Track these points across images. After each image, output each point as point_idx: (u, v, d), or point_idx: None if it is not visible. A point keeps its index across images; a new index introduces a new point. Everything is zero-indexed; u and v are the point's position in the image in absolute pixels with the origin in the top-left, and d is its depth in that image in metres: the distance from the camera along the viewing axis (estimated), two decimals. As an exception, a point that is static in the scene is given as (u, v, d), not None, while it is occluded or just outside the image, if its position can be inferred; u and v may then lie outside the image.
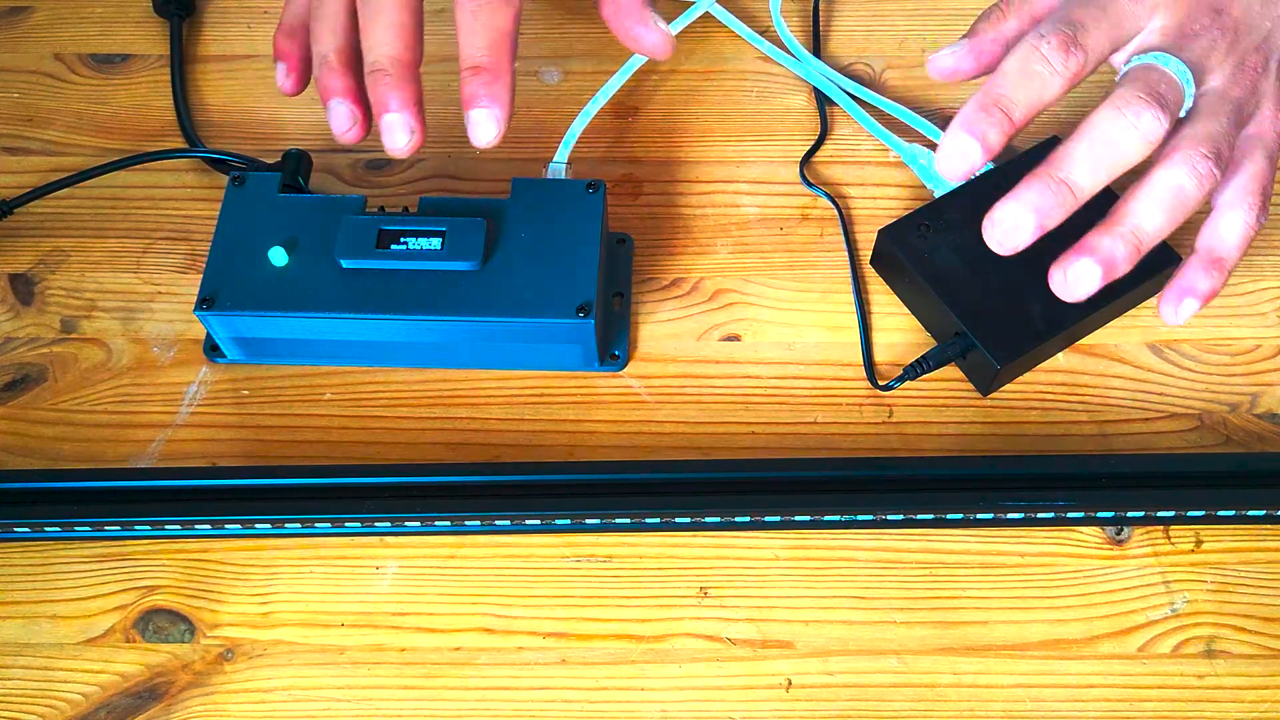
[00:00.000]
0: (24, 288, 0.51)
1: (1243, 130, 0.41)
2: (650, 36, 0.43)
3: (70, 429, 0.47)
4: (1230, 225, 0.41)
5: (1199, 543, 0.44)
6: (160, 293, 0.50)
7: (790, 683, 0.41)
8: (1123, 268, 0.38)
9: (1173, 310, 0.42)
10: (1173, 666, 0.41)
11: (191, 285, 0.51)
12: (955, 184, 0.43)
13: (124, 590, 0.43)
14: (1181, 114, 0.39)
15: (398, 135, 0.39)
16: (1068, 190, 0.37)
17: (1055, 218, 0.37)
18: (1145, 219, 0.38)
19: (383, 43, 0.39)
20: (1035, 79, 0.37)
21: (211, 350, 0.48)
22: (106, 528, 0.43)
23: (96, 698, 0.41)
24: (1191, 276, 0.41)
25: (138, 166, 0.53)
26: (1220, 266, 0.41)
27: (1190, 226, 0.51)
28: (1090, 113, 0.38)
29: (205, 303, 0.44)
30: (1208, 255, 0.41)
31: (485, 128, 0.39)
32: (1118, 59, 0.40)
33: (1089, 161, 0.37)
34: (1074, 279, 0.38)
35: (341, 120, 0.41)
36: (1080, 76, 0.38)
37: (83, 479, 0.43)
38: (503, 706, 0.41)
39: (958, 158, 0.37)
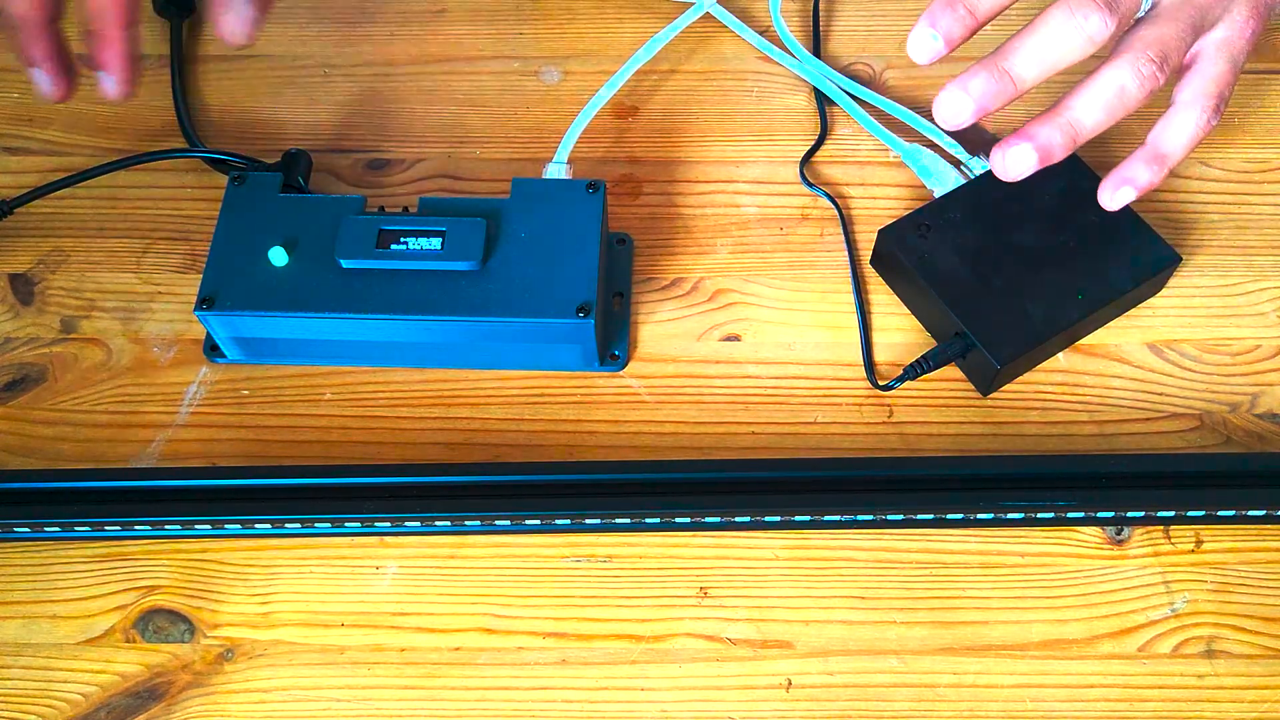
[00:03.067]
0: (24, 288, 0.51)
1: (1209, 34, 0.42)
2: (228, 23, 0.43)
3: (70, 429, 0.47)
4: (1180, 125, 0.42)
5: (1199, 543, 0.44)
6: (160, 293, 0.50)
7: (790, 683, 0.41)
8: (1058, 155, 0.40)
9: (1109, 196, 0.43)
10: (1173, 666, 0.41)
11: (191, 285, 0.51)
12: (950, 185, 0.43)
13: (124, 590, 0.43)
14: (1141, 14, 0.41)
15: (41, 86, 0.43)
16: (1009, 80, 0.39)
17: (994, 104, 0.40)
18: (1084, 113, 0.40)
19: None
20: None
21: (211, 350, 0.48)
22: (106, 528, 0.43)
23: (96, 698, 0.41)
24: (1134, 168, 0.43)
25: (138, 166, 0.53)
26: (1162, 162, 0.42)
27: (1203, 217, 0.52)
28: (1044, 8, 0.39)
29: (205, 303, 0.44)
30: (1153, 150, 0.42)
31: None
32: None
33: (1033, 56, 0.39)
34: (1011, 160, 0.41)
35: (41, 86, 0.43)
36: None
37: (83, 479, 0.43)
38: (503, 706, 0.41)
39: (922, 47, 0.40)
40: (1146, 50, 0.40)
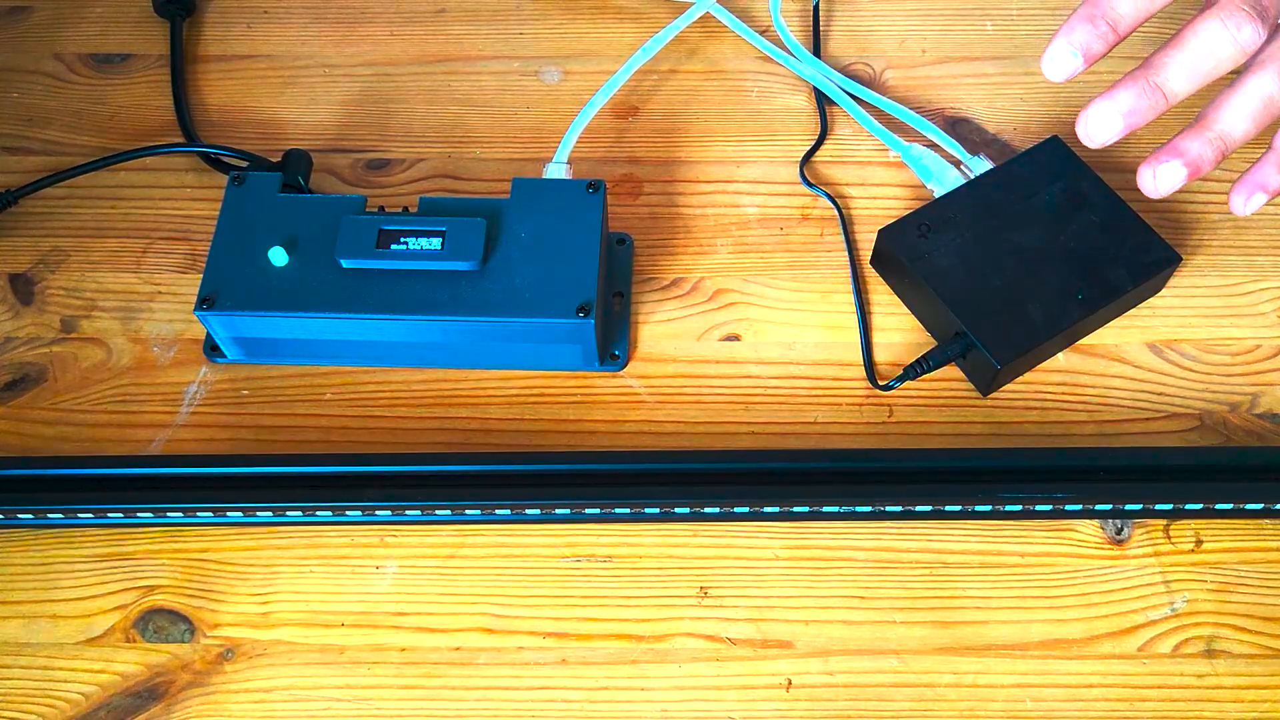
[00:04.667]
0: (24, 287, 0.51)
1: None
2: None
3: (70, 429, 0.47)
4: None
5: (1199, 542, 0.44)
6: (160, 292, 0.50)
7: (790, 682, 0.41)
8: (1207, 168, 0.40)
9: (1242, 201, 0.42)
10: (1173, 666, 0.41)
11: (191, 285, 0.51)
12: (950, 185, 0.42)
13: (124, 590, 0.43)
14: None
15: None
16: (1160, 95, 0.38)
17: (1144, 119, 0.39)
18: (1232, 124, 0.39)
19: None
20: None
21: (211, 350, 0.48)
22: (109, 514, 0.43)
23: (96, 698, 0.41)
24: (1265, 172, 0.42)
25: (138, 166, 0.53)
26: None
27: (1203, 217, 0.52)
28: (1190, 20, 0.39)
29: (205, 302, 0.44)
30: None
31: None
32: None
33: (1185, 69, 0.38)
34: (1162, 178, 0.40)
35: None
36: None
37: (86, 466, 0.43)
38: (503, 706, 0.41)
39: (1062, 65, 0.39)
40: None
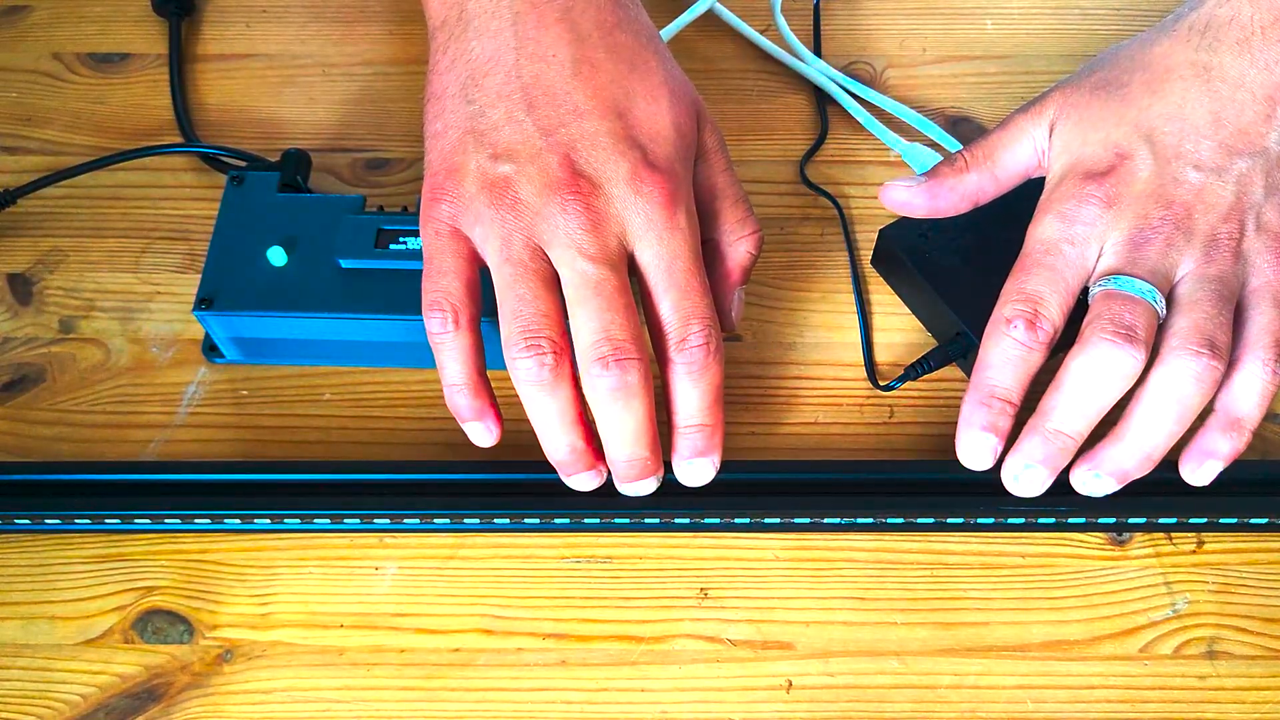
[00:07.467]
0: (22, 288, 0.51)
1: (1243, 290, 0.40)
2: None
3: (68, 429, 0.47)
4: (1246, 384, 0.39)
5: (1200, 544, 0.44)
6: (159, 293, 0.50)
7: (791, 684, 0.41)
8: (1138, 475, 0.39)
9: (1192, 471, 0.40)
10: (1174, 667, 0.41)
11: (190, 285, 0.50)
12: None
13: (123, 591, 0.43)
14: (1164, 314, 0.39)
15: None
16: (1065, 437, 0.39)
17: (1062, 461, 0.39)
18: (1153, 432, 0.38)
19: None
20: (1018, 362, 0.39)
21: (210, 350, 0.48)
22: (106, 520, 0.43)
23: (95, 699, 0.41)
24: (1211, 439, 0.39)
25: (137, 166, 0.53)
26: (1238, 427, 0.39)
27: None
28: (1066, 357, 0.38)
29: (204, 303, 0.44)
30: (1225, 416, 0.39)
31: (705, 472, 0.40)
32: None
33: (1074, 409, 0.38)
34: (1095, 490, 0.40)
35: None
36: (1056, 337, 0.39)
37: (83, 472, 0.43)
38: (502, 708, 0.41)
39: (982, 452, 0.40)
40: (1188, 344, 0.37)
